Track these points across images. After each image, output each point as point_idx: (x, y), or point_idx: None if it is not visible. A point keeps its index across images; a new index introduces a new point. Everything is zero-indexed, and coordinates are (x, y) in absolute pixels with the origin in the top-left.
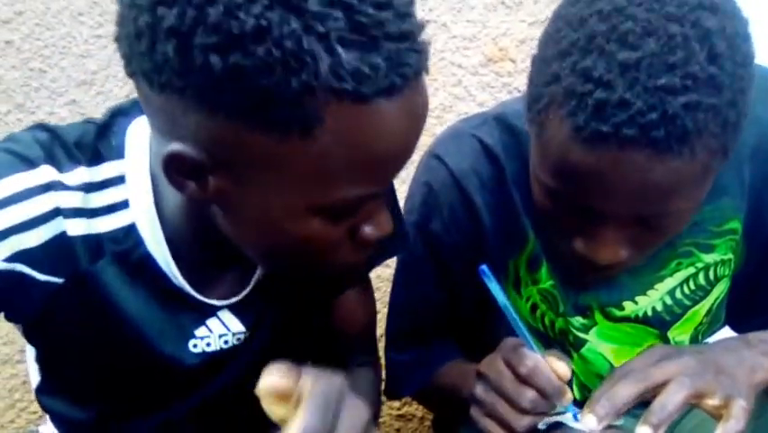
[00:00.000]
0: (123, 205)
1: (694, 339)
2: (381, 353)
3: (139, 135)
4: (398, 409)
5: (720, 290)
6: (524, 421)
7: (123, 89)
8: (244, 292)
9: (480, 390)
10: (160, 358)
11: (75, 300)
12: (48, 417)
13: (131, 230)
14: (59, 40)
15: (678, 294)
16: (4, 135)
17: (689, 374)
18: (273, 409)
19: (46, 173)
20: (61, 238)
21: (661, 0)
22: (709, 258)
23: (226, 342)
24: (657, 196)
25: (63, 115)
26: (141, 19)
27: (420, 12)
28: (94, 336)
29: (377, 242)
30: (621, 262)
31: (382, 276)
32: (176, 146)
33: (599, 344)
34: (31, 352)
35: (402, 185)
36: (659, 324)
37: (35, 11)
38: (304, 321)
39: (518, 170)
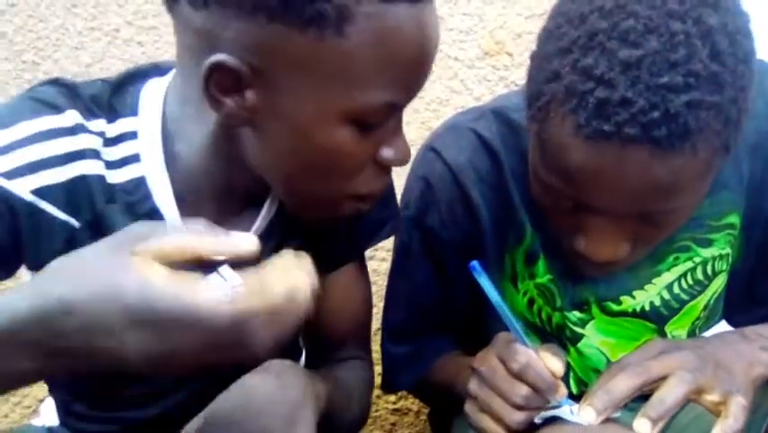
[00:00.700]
0: (135, 158)
1: (691, 334)
2: (377, 346)
3: (153, 95)
4: (394, 403)
5: (718, 284)
6: (517, 416)
7: None
8: None
9: (473, 385)
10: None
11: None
12: (41, 407)
13: (141, 183)
14: (52, 32)
15: (675, 289)
16: None
17: (688, 369)
18: None
19: (72, 117)
20: (83, 179)
21: None
22: (707, 253)
23: (225, 294)
24: (659, 193)
25: None
26: None
27: None
28: None
29: (375, 203)
30: (621, 258)
31: (378, 270)
32: (218, 56)
33: (597, 338)
34: None
35: (399, 178)
36: (656, 318)
37: (29, 2)
38: None
39: (516, 163)
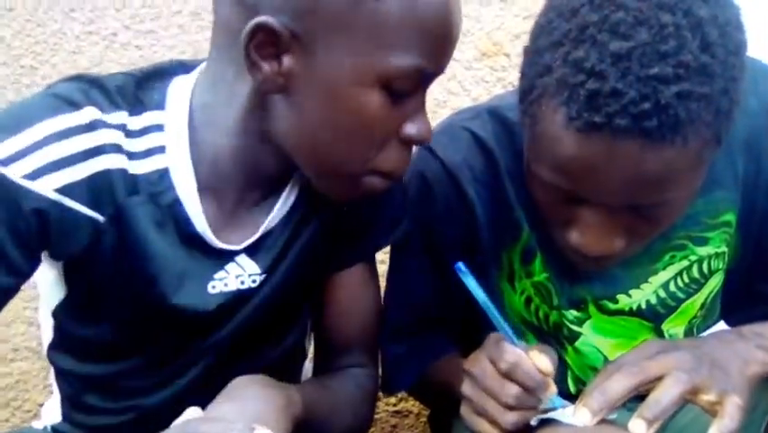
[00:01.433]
0: (160, 150)
1: (689, 332)
2: None
3: (180, 90)
4: (395, 405)
5: (714, 283)
6: (510, 417)
7: None
8: (261, 230)
9: (466, 387)
10: (180, 299)
11: (112, 239)
12: (42, 410)
13: (164, 174)
14: (50, 36)
15: (672, 287)
16: None
17: (684, 369)
18: None
19: (90, 113)
20: (104, 174)
21: None
22: (703, 251)
23: (242, 282)
24: (651, 185)
25: None
26: None
27: None
28: (123, 278)
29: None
30: (616, 253)
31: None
32: (261, 18)
33: (594, 337)
34: (45, 307)
35: None
36: (653, 317)
37: (26, 7)
38: (309, 294)
39: (512, 162)
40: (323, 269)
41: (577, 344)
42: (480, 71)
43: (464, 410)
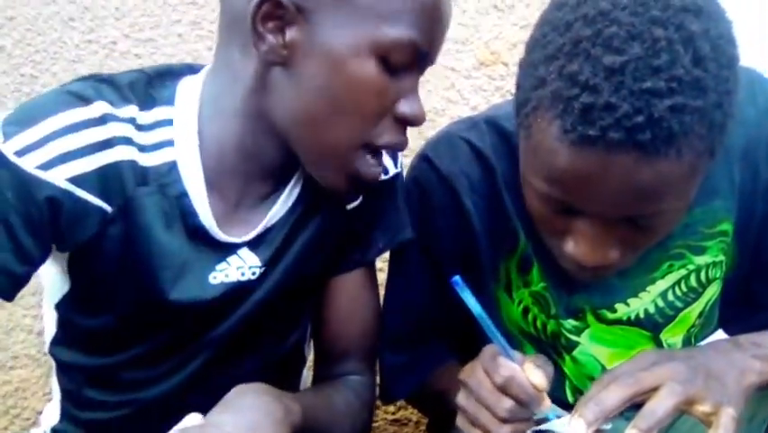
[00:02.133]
0: (169, 143)
1: (687, 342)
2: None
3: (189, 87)
4: (393, 413)
5: (712, 292)
6: (504, 430)
7: None
8: (264, 224)
9: (462, 398)
10: (181, 289)
11: (119, 229)
12: (41, 417)
13: (173, 167)
14: (50, 45)
15: (670, 296)
16: None
17: (679, 380)
18: None
19: (101, 108)
20: (114, 166)
21: (645, 4)
22: (701, 260)
23: (243, 274)
24: (645, 197)
25: None
26: None
27: None
28: (126, 269)
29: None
30: (611, 263)
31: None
32: None
33: (592, 346)
34: (49, 301)
35: None
36: (651, 326)
37: (26, 16)
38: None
39: (509, 172)
40: (324, 270)
41: (575, 353)
42: (479, 80)
43: (460, 421)
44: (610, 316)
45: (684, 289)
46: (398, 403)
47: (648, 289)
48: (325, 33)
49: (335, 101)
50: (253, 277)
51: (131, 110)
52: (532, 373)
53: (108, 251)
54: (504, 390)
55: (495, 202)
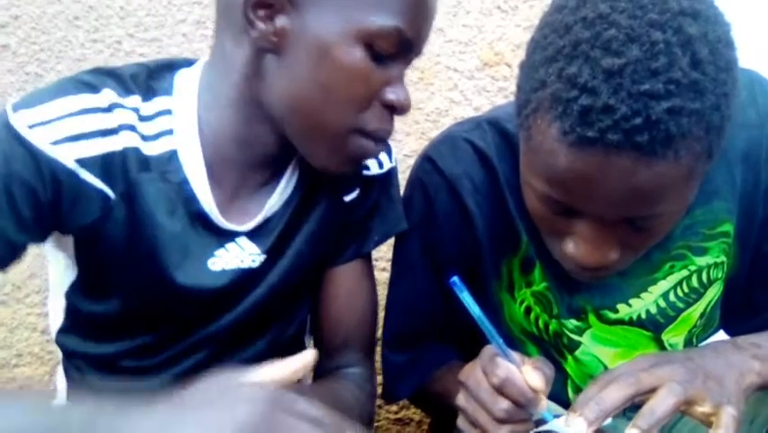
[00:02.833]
0: (169, 132)
1: (688, 342)
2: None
3: (187, 78)
4: (396, 412)
5: (714, 292)
6: (503, 431)
7: None
8: (263, 214)
9: (461, 398)
10: (182, 273)
11: (122, 214)
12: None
13: (173, 155)
14: (55, 44)
15: (671, 297)
16: None
17: (679, 381)
18: None
19: (108, 96)
20: (119, 152)
21: (643, 7)
22: (702, 261)
23: (242, 260)
24: (643, 198)
25: None
26: None
27: None
28: (130, 253)
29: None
30: (610, 264)
31: (379, 280)
32: None
33: (594, 346)
34: (58, 291)
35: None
36: (653, 326)
37: (31, 15)
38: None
39: (511, 173)
40: (324, 259)
41: (577, 353)
42: (482, 81)
43: (461, 421)
44: (612, 316)
45: (686, 289)
46: (401, 403)
47: (650, 289)
48: (313, 21)
49: (324, 87)
50: (254, 264)
51: (134, 100)
52: (529, 375)
53: (113, 236)
54: (501, 391)
55: (497, 203)
